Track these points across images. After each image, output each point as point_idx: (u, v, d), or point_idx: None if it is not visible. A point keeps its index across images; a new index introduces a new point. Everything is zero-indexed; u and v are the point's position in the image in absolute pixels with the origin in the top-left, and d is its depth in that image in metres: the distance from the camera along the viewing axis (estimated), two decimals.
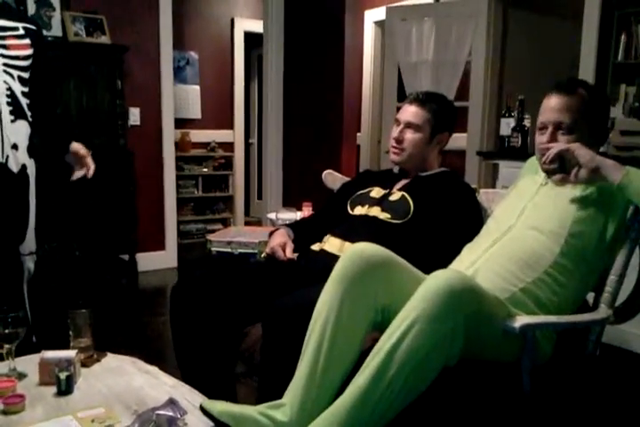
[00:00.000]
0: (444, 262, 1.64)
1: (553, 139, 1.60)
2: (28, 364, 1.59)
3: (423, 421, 1.39)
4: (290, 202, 4.55)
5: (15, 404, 1.38)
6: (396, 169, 2.11)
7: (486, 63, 3.75)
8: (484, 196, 2.04)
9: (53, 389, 1.47)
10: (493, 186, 3.44)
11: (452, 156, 3.48)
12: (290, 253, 1.97)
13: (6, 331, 1.52)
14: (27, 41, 2.27)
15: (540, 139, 1.63)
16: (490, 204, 1.99)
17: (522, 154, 3.23)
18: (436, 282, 1.30)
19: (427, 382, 1.30)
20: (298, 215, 2.97)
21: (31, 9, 3.55)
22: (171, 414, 1.28)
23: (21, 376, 1.55)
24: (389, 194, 1.99)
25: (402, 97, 3.70)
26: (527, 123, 3.33)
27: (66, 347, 1.61)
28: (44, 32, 3.56)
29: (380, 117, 4.76)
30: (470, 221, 1.87)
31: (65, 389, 1.47)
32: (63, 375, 1.46)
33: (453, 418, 1.41)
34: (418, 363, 1.27)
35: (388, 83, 4.38)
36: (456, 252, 1.72)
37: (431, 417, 1.40)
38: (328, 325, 1.41)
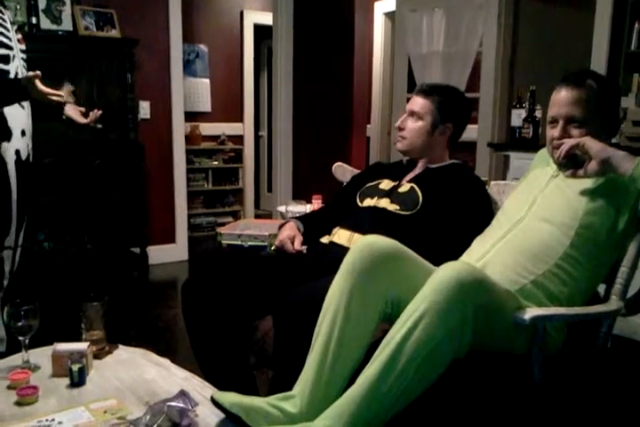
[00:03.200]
0: (454, 254, 1.64)
1: (564, 133, 1.58)
2: (42, 356, 1.60)
3: (433, 412, 1.39)
4: (300, 195, 4.55)
5: (29, 395, 1.40)
6: (404, 160, 2.11)
7: (497, 54, 3.71)
8: (494, 187, 2.03)
9: (66, 380, 1.49)
10: (504, 178, 3.42)
11: (464, 147, 3.47)
12: (299, 245, 1.98)
13: (19, 324, 1.54)
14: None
15: (552, 133, 1.62)
16: (500, 196, 1.98)
17: (533, 145, 3.20)
18: (445, 274, 1.30)
19: (436, 374, 1.30)
20: (307, 208, 2.97)
21: (42, 4, 3.56)
22: (182, 405, 1.29)
23: (35, 368, 1.57)
24: (398, 186, 1.99)
25: (412, 88, 3.68)
26: (538, 114, 3.30)
27: (78, 339, 1.63)
28: (55, 27, 3.59)
29: (390, 109, 4.75)
30: (480, 212, 1.87)
31: (77, 380, 1.48)
32: (76, 367, 1.48)
33: (463, 409, 1.41)
34: (427, 354, 1.27)
35: (398, 74, 4.36)
36: (466, 244, 1.72)
37: (441, 408, 1.40)
38: (337, 317, 1.41)
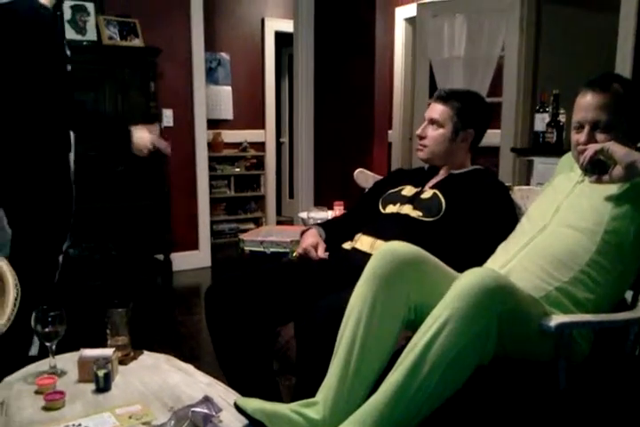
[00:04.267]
0: (478, 261, 1.63)
1: (590, 138, 1.56)
2: (68, 361, 1.62)
3: (457, 419, 1.38)
4: (321, 201, 4.55)
5: (56, 400, 1.41)
6: (425, 166, 2.11)
7: (519, 58, 3.69)
8: (518, 193, 2.01)
9: (92, 386, 1.51)
10: (528, 183, 3.39)
11: (487, 152, 3.44)
12: (322, 252, 1.98)
13: (46, 329, 1.56)
14: None
15: (577, 138, 1.60)
16: (524, 201, 1.96)
17: (557, 150, 3.17)
18: (469, 280, 1.29)
19: (460, 381, 1.29)
20: (329, 214, 2.97)
21: (67, 14, 3.62)
22: (206, 411, 1.29)
23: (61, 373, 1.59)
24: (421, 192, 1.98)
25: (434, 94, 3.67)
26: (562, 118, 3.26)
27: (103, 345, 1.65)
28: (80, 37, 3.65)
29: (411, 114, 4.74)
30: (504, 219, 1.86)
31: (103, 386, 1.50)
32: (101, 373, 1.49)
33: (487, 417, 1.40)
34: (451, 362, 1.26)
35: (419, 80, 4.35)
36: (490, 250, 1.71)
37: (465, 415, 1.39)
38: (360, 323, 1.41)
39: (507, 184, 2.03)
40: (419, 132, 2.03)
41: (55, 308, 1.58)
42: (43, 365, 1.62)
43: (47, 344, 1.57)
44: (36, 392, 1.48)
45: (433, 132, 1.99)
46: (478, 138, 2.03)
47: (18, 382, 1.55)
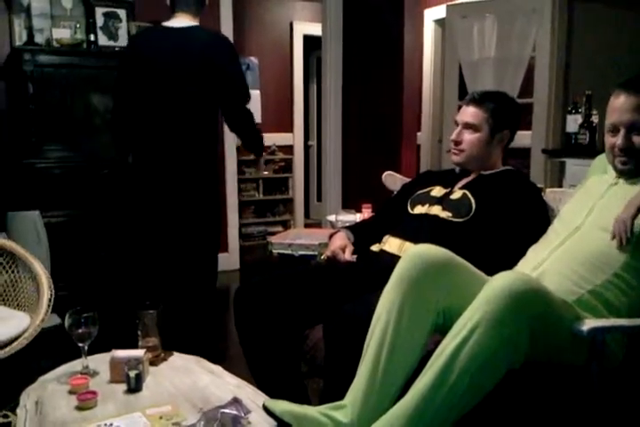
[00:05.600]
0: (508, 264, 1.61)
1: (627, 141, 1.53)
2: (100, 362, 1.65)
3: (487, 424, 1.36)
4: (349, 204, 4.55)
5: (88, 400, 1.44)
6: (457, 169, 2.09)
7: (551, 58, 3.64)
8: (550, 195, 1.98)
9: (123, 386, 1.53)
10: (560, 185, 3.33)
11: (517, 154, 3.40)
12: (349, 255, 1.98)
13: (80, 331, 1.59)
14: None
15: (612, 141, 1.57)
16: (557, 203, 1.93)
17: (590, 151, 3.11)
18: (499, 284, 1.28)
19: (490, 385, 1.28)
20: (357, 217, 2.96)
21: (99, 21, 3.69)
22: (235, 412, 1.30)
23: (94, 374, 1.62)
24: (450, 192, 1.96)
25: (463, 95, 3.65)
26: (595, 119, 3.20)
27: (135, 346, 1.67)
28: (112, 43, 3.71)
29: (440, 116, 4.70)
30: (536, 221, 1.83)
31: (134, 386, 1.52)
32: (133, 374, 1.51)
33: (518, 421, 1.38)
34: (481, 366, 1.25)
35: (448, 81, 4.32)
36: (520, 253, 1.68)
37: (495, 421, 1.37)
38: (389, 327, 1.40)
39: (539, 186, 2.00)
40: (453, 137, 2.00)
41: (88, 309, 1.61)
42: (76, 365, 1.65)
43: (80, 345, 1.60)
44: (70, 392, 1.51)
45: (469, 137, 1.97)
46: (511, 139, 2.01)
47: (52, 382, 1.58)
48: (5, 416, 1.39)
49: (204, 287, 2.90)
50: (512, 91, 3.63)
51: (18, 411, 1.44)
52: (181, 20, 2.63)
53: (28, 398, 1.50)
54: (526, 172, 3.67)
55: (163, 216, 2.70)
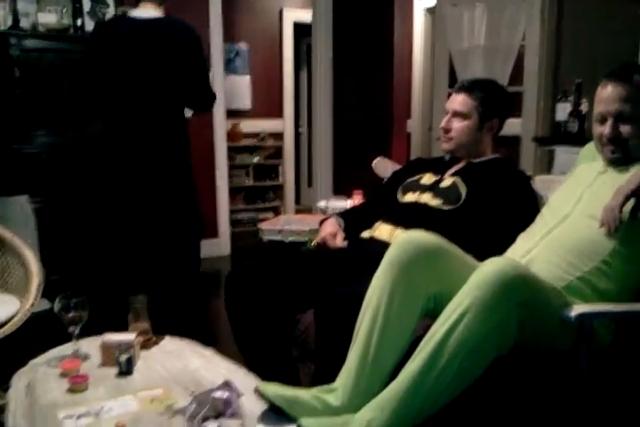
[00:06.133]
0: (498, 250, 1.62)
1: (615, 130, 1.55)
2: (91, 346, 1.65)
3: (476, 408, 1.38)
4: (340, 190, 4.55)
5: (79, 383, 1.44)
6: (447, 157, 2.10)
7: (541, 47, 3.64)
8: (539, 183, 2.00)
9: (114, 370, 1.54)
10: (549, 173, 3.36)
11: (507, 142, 3.41)
12: (340, 242, 1.98)
13: (70, 315, 1.59)
14: None
15: (600, 130, 1.58)
16: (545, 191, 1.95)
17: (579, 139, 3.13)
18: (489, 269, 1.29)
19: (479, 370, 1.30)
20: (348, 203, 2.97)
21: (86, 6, 3.64)
22: (227, 395, 1.31)
23: (85, 358, 1.62)
24: (440, 180, 1.98)
25: (454, 83, 3.65)
26: (584, 107, 3.22)
27: (125, 330, 1.67)
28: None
29: (431, 104, 4.70)
30: (524, 208, 1.85)
31: (125, 370, 1.52)
32: (123, 358, 1.52)
33: (507, 405, 1.40)
34: (470, 351, 1.27)
35: (438, 69, 4.32)
36: (510, 240, 1.70)
37: (484, 404, 1.39)
38: (379, 312, 1.41)
39: (528, 174, 2.02)
40: (443, 124, 2.01)
41: (78, 294, 1.61)
42: (67, 349, 1.66)
43: (70, 329, 1.60)
44: (61, 375, 1.51)
45: (459, 124, 1.98)
46: (500, 127, 2.02)
47: (43, 366, 1.59)
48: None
49: (186, 272, 2.93)
50: (502, 79, 3.64)
51: (9, 393, 1.44)
52: (146, 10, 2.69)
53: (19, 380, 1.50)
54: (516, 160, 3.69)
55: (137, 201, 2.78)
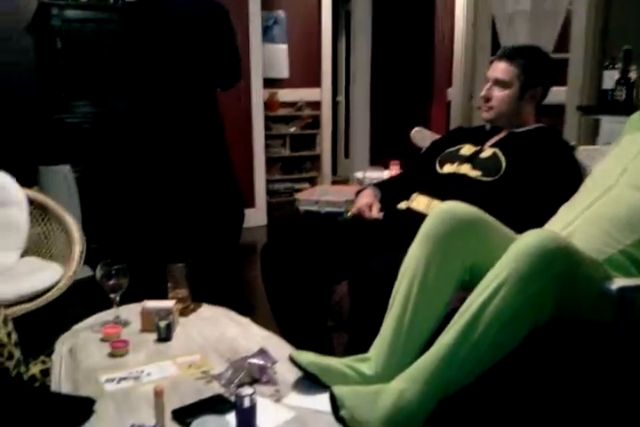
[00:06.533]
0: (538, 223, 1.59)
1: None
2: (131, 312, 1.70)
3: (509, 381, 1.38)
4: (377, 160, 4.52)
5: (120, 348, 1.49)
6: (487, 126, 2.05)
7: (589, 11, 3.49)
8: (583, 153, 1.94)
9: (154, 336, 1.58)
10: (594, 143, 3.26)
11: (550, 110, 3.32)
12: (376, 213, 1.97)
13: (111, 282, 1.63)
14: None
15: None
16: (589, 162, 1.89)
17: (626, 109, 3.02)
18: (528, 241, 1.27)
19: (514, 342, 1.28)
20: (385, 174, 2.95)
21: None
22: (262, 362, 1.34)
23: (125, 324, 1.67)
24: (480, 151, 1.93)
25: (497, 50, 3.55)
26: (633, 75, 3.10)
27: (164, 298, 1.71)
28: None
29: (472, 72, 4.59)
30: (567, 179, 1.80)
31: (164, 336, 1.56)
32: (163, 324, 1.56)
33: (541, 377, 1.39)
34: (506, 323, 1.25)
35: (481, 36, 4.20)
36: (550, 212, 1.66)
37: (518, 377, 1.38)
38: (414, 283, 1.41)
39: (572, 144, 1.96)
40: (483, 93, 1.96)
41: (119, 262, 1.65)
42: (108, 315, 1.70)
43: (111, 296, 1.65)
44: (102, 340, 1.56)
45: (499, 93, 1.92)
46: (544, 95, 1.96)
47: (85, 331, 1.64)
48: (44, 362, 1.45)
49: (225, 242, 2.98)
50: (547, 45, 3.52)
51: (53, 357, 1.49)
52: None
53: (62, 345, 1.56)
54: (559, 129, 3.59)
55: (173, 171, 2.81)
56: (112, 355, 1.48)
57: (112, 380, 1.35)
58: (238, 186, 3.08)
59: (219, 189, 2.92)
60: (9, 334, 1.34)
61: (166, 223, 3.06)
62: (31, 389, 1.34)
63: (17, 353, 1.35)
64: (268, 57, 5.38)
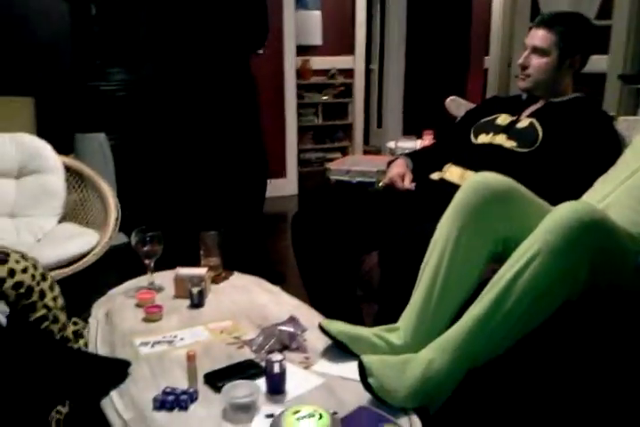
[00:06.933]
0: (574, 195, 1.56)
1: None
2: (165, 279, 1.73)
3: (539, 353, 1.38)
4: (410, 130, 4.46)
5: (154, 313, 1.53)
6: (524, 96, 2.00)
7: None
8: (623, 124, 1.88)
9: (187, 302, 1.61)
10: (635, 113, 3.16)
11: (590, 80, 3.22)
12: (408, 183, 1.95)
13: (145, 248, 1.66)
14: None
15: None
16: (630, 132, 1.84)
17: None
18: (563, 213, 1.25)
19: (545, 315, 1.28)
20: (418, 144, 2.91)
21: None
22: (292, 330, 1.36)
23: (159, 289, 1.70)
24: (517, 121, 1.89)
25: (536, 16, 3.43)
26: None
27: (197, 265, 1.74)
28: None
29: (510, 39, 4.46)
30: (605, 151, 1.75)
31: (197, 302, 1.60)
32: (196, 290, 1.59)
33: (573, 350, 1.38)
34: (537, 296, 1.24)
35: (520, 1, 4.06)
36: (587, 184, 1.63)
37: (548, 349, 1.38)
38: (445, 254, 1.40)
39: (611, 114, 1.90)
40: (521, 61, 1.91)
41: (153, 229, 1.67)
42: (142, 281, 1.74)
43: (146, 262, 1.68)
44: (137, 305, 1.60)
45: (537, 61, 1.87)
46: (583, 64, 1.89)
47: (120, 296, 1.68)
48: (75, 323, 1.50)
49: (250, 210, 3.00)
50: (589, 12, 3.40)
51: (90, 321, 1.54)
52: None
53: (98, 309, 1.61)
54: (599, 99, 3.49)
55: (204, 138, 2.81)
56: (146, 320, 1.52)
57: (146, 344, 1.39)
58: (266, 155, 3.08)
59: (246, 156, 2.92)
60: (55, 299, 1.40)
61: (197, 190, 3.09)
62: (72, 351, 1.39)
63: (62, 317, 1.41)
64: (301, 24, 5.30)
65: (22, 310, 1.34)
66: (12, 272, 1.31)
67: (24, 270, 1.34)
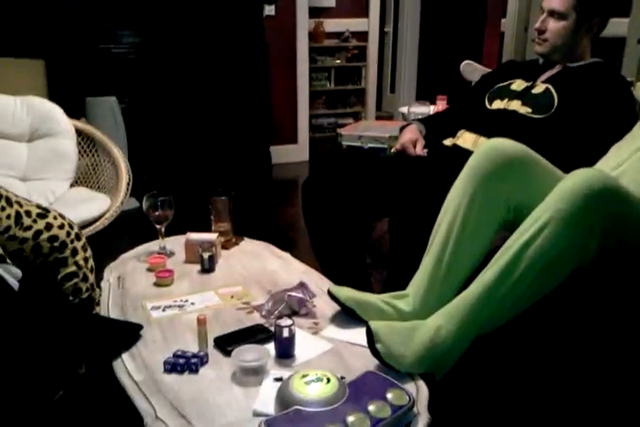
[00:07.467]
0: (588, 162, 1.53)
1: None
2: (176, 244, 1.75)
3: (547, 321, 1.38)
4: (424, 95, 4.39)
5: (165, 277, 1.54)
6: (540, 60, 1.95)
7: None
8: None
9: (197, 267, 1.62)
10: None
11: (609, 44, 3.14)
12: (420, 149, 1.93)
13: (156, 213, 1.67)
14: None
15: None
16: None
17: None
18: (575, 181, 1.23)
19: (554, 284, 1.27)
20: (431, 109, 2.87)
21: None
22: (301, 295, 1.37)
23: (170, 254, 1.72)
24: (532, 86, 1.85)
25: None
26: None
27: (208, 231, 1.74)
28: None
29: (528, 2, 4.33)
30: (621, 117, 1.72)
31: (208, 267, 1.61)
32: (206, 255, 1.60)
33: (582, 318, 1.39)
34: (547, 264, 1.24)
35: None
36: (602, 151, 1.60)
37: (556, 318, 1.38)
38: (456, 220, 1.39)
39: (629, 79, 1.85)
40: (537, 25, 1.85)
41: (164, 193, 1.68)
42: (153, 245, 1.76)
43: (157, 227, 1.69)
44: (148, 269, 1.62)
45: (554, 25, 1.81)
46: (602, 27, 1.84)
47: (132, 260, 1.70)
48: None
49: (258, 176, 2.99)
50: None
51: (102, 284, 1.56)
52: None
53: (110, 273, 1.62)
54: (618, 64, 3.40)
55: (211, 101, 2.78)
56: (157, 284, 1.54)
57: (158, 308, 1.41)
58: (272, 124, 3.06)
59: (252, 123, 2.89)
60: (86, 260, 1.47)
61: (208, 155, 3.08)
62: (84, 313, 1.43)
63: (91, 278, 1.46)
64: None
65: (54, 263, 1.42)
66: (49, 226, 1.41)
67: (60, 226, 1.43)
